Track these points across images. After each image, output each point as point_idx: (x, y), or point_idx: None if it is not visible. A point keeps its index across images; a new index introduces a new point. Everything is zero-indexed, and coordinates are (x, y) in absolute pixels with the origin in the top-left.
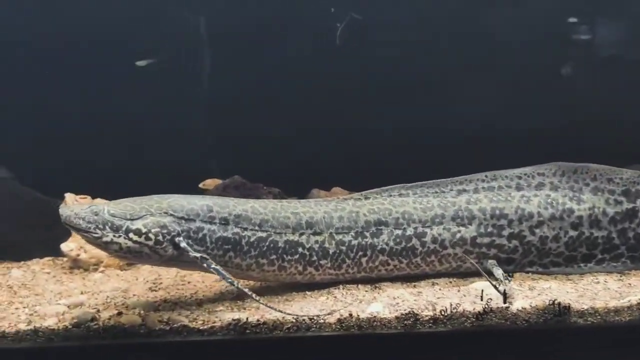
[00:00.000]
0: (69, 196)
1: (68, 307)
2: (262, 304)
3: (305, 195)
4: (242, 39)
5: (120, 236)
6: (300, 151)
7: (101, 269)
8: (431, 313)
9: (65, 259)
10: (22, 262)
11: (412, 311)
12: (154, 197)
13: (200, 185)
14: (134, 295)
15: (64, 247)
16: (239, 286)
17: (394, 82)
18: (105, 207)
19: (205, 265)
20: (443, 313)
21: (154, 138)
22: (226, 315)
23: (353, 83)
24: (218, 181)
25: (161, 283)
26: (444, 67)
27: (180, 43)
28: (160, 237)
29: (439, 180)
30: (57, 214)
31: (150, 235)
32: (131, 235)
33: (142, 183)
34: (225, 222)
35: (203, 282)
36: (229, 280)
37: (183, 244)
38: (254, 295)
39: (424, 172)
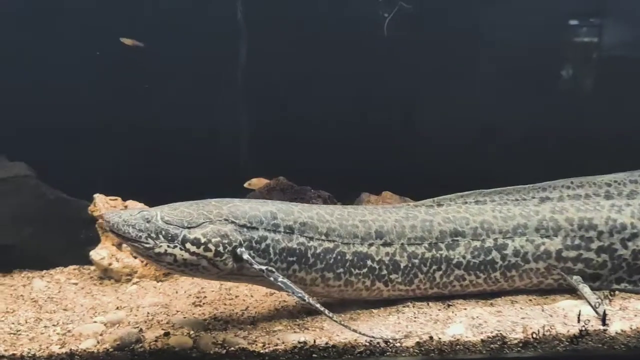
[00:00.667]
0: (98, 197)
1: (105, 325)
2: (338, 322)
3: (354, 199)
4: (289, 39)
5: (175, 247)
6: (348, 153)
7: (135, 280)
8: (520, 336)
9: (92, 267)
10: (45, 271)
11: (500, 333)
12: (211, 202)
13: (246, 185)
14: (178, 311)
15: (95, 255)
16: (311, 301)
17: (448, 83)
18: (158, 213)
19: (272, 279)
20: (534, 336)
21: (194, 136)
22: (288, 336)
23: (402, 84)
24: (265, 181)
25: (205, 297)
26: (518, 68)
27: (228, 41)
28: (220, 248)
29: (519, 186)
30: (84, 217)
31: (210, 245)
32: (188, 245)
33: (177, 183)
34: (290, 230)
35: (251, 296)
36: (300, 295)
37: (246, 256)
38: (327, 311)
39: (482, 178)
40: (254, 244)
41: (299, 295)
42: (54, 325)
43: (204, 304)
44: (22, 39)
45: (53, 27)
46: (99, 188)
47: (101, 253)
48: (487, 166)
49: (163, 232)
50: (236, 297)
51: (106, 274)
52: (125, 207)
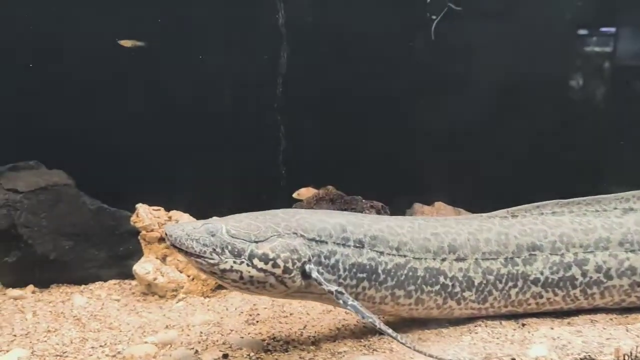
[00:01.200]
0: (142, 207)
1: (157, 346)
2: (412, 348)
3: (404, 210)
4: (341, 50)
5: (242, 263)
6: (401, 163)
7: (181, 295)
8: (609, 358)
9: (133, 282)
10: (84, 286)
11: (588, 355)
12: (278, 213)
13: (295, 195)
14: (232, 330)
15: (139, 268)
16: (382, 326)
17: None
18: (223, 226)
19: (341, 301)
20: (626, 358)
21: (238, 144)
22: (358, 357)
23: (458, 93)
24: (313, 190)
25: (258, 314)
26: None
27: (279, 49)
28: (289, 264)
29: (599, 196)
30: (125, 228)
31: (279, 261)
32: (256, 261)
33: (219, 193)
34: (360, 244)
35: (307, 313)
36: (371, 320)
37: (315, 274)
38: (400, 337)
39: (545, 189)
40: (322, 259)
41: (370, 320)
42: (101, 346)
43: (257, 322)
44: (65, 48)
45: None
46: (138, 198)
47: (146, 267)
48: (552, 176)
49: (229, 247)
50: (291, 314)
51: (150, 290)
52: (169, 217)
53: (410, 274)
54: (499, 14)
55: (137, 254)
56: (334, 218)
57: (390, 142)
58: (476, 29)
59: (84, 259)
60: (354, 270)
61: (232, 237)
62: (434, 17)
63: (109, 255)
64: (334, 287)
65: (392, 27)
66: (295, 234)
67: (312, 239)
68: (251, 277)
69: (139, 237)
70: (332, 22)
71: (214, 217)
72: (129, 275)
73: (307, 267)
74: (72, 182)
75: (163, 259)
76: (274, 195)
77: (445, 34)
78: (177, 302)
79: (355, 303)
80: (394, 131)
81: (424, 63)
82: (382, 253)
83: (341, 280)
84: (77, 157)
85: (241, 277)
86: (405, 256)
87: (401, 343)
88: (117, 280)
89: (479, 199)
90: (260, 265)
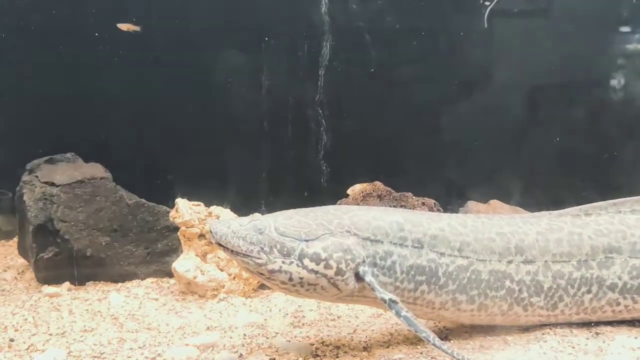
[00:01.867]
0: (182, 202)
1: (198, 348)
2: None
3: (458, 208)
4: (386, 42)
5: (292, 263)
6: (454, 159)
7: (222, 295)
8: None
9: (171, 280)
10: (120, 284)
11: None
12: (330, 210)
13: (349, 191)
14: (277, 333)
15: (179, 266)
16: (437, 342)
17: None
18: (272, 224)
19: (394, 311)
20: None
21: (281, 139)
22: None
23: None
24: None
25: (304, 317)
26: None
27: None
28: (342, 265)
29: None
30: (164, 224)
31: (331, 262)
32: (306, 261)
33: (260, 189)
34: (419, 244)
35: (356, 317)
36: (424, 334)
37: (368, 278)
38: (457, 354)
39: (599, 187)
40: (378, 260)
41: (424, 335)
42: (140, 347)
43: (303, 324)
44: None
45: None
46: (177, 193)
47: (186, 265)
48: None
49: (278, 246)
50: (338, 317)
51: (189, 289)
52: (210, 213)
53: (474, 277)
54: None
55: (176, 251)
56: (390, 215)
57: (440, 137)
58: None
59: (121, 256)
60: (412, 272)
61: (281, 235)
62: (487, 2)
63: (147, 252)
64: (387, 295)
65: (441, 20)
66: (349, 232)
67: (367, 238)
68: (301, 278)
69: (178, 234)
70: (374, 13)
71: (256, 214)
72: (167, 273)
73: (361, 269)
74: (110, 175)
75: (203, 257)
76: (314, 192)
77: (492, 28)
78: (217, 302)
79: (409, 314)
80: (445, 126)
81: (470, 56)
82: (442, 254)
83: (398, 284)
84: (115, 150)
85: (290, 279)
86: (468, 258)
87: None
88: (155, 279)
89: (532, 197)
90: (311, 266)
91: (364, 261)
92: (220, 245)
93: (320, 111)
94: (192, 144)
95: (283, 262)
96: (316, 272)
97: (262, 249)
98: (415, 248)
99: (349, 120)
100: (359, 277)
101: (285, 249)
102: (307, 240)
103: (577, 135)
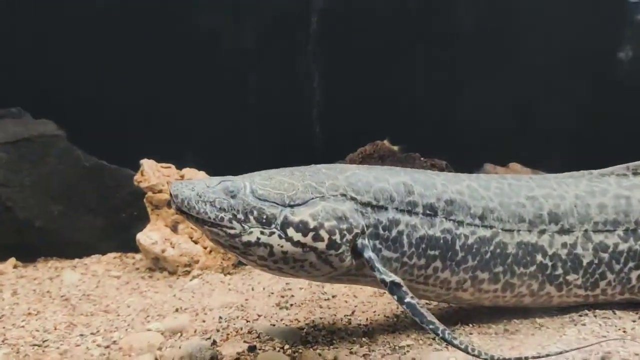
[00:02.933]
0: (147, 164)
1: (163, 334)
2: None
3: (473, 171)
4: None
5: (273, 234)
6: (471, 118)
7: (196, 272)
8: None
9: (138, 256)
10: (77, 260)
11: None
12: (320, 169)
13: (348, 158)
14: (259, 315)
15: (144, 238)
16: (447, 335)
17: None
18: (247, 185)
19: (395, 296)
20: None
21: (267, 95)
22: (428, 356)
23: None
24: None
25: (292, 296)
26: None
27: None
28: (336, 237)
29: None
30: (128, 189)
31: (322, 233)
32: (291, 232)
33: (243, 152)
34: (431, 211)
35: (354, 296)
36: (432, 326)
37: (367, 254)
38: (472, 348)
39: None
40: (381, 231)
41: (432, 327)
42: (92, 333)
43: (292, 305)
44: None
45: None
46: (145, 155)
47: (152, 236)
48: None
49: (255, 212)
50: (333, 297)
51: (157, 265)
52: (182, 176)
53: (498, 251)
54: None
55: (143, 221)
56: (396, 176)
57: (451, 93)
58: None
59: (77, 227)
60: (423, 245)
61: (259, 198)
62: None
63: (108, 223)
64: (388, 277)
65: None
66: (345, 196)
67: (367, 204)
68: (284, 253)
69: (144, 201)
70: None
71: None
72: (132, 247)
73: (359, 241)
74: (63, 133)
75: (174, 227)
76: (306, 157)
77: None
78: (190, 280)
79: (414, 301)
80: (458, 79)
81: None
82: (461, 223)
83: (405, 259)
84: (70, 104)
85: (271, 254)
86: (491, 227)
87: (475, 356)
88: (118, 254)
89: (553, 159)
90: (297, 237)
91: (363, 232)
92: (182, 212)
93: (314, 64)
94: (164, 96)
95: (261, 233)
96: (303, 246)
97: (234, 216)
98: (427, 216)
99: (347, 73)
100: (356, 252)
101: (265, 216)
102: (291, 206)
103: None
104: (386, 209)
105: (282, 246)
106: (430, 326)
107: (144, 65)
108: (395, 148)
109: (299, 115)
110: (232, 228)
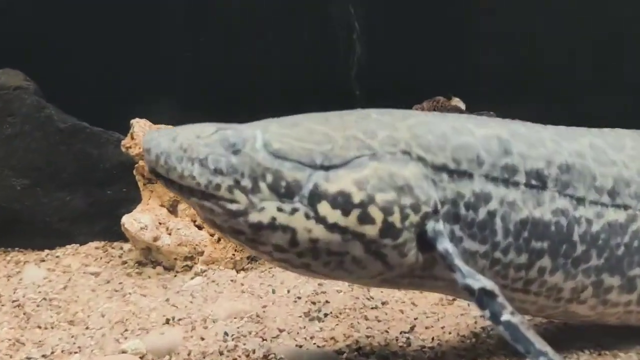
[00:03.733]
0: (138, 124)
1: (142, 358)
2: None
3: None
4: None
5: (296, 210)
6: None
7: (199, 267)
8: None
9: (126, 246)
10: (47, 252)
11: None
12: (370, 114)
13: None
14: (282, 331)
15: (130, 222)
16: None
17: None
18: (258, 135)
19: (487, 311)
20: None
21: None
22: None
23: None
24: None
25: (327, 302)
26: None
27: None
28: (395, 217)
29: None
30: (114, 158)
31: (373, 210)
32: (324, 208)
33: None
34: (539, 181)
35: (413, 303)
36: (544, 357)
37: (444, 245)
38: None
39: None
40: (462, 210)
41: (542, 354)
42: (44, 356)
43: (326, 315)
44: None
45: None
46: (137, 113)
47: (142, 220)
48: None
49: (269, 177)
50: (384, 304)
51: (149, 257)
52: None
53: (637, 244)
54: None
55: (134, 200)
56: (484, 126)
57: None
58: None
59: (48, 208)
60: (526, 234)
61: (276, 156)
62: None
63: (89, 203)
64: (477, 281)
65: None
66: (408, 154)
67: (443, 167)
68: (314, 241)
69: (134, 172)
70: None
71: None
72: (120, 234)
73: (430, 225)
74: (32, 86)
75: (172, 208)
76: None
77: None
78: (191, 279)
79: (516, 320)
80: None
81: None
82: (581, 201)
83: (498, 254)
84: (43, 51)
85: (293, 242)
86: (626, 208)
87: None
88: (101, 243)
89: None
90: (334, 216)
91: (436, 211)
92: (158, 175)
93: (352, 9)
94: (165, 40)
95: (279, 210)
96: (343, 231)
97: (237, 182)
98: (532, 188)
99: (394, 21)
100: (425, 242)
101: (284, 184)
102: (326, 168)
103: None
104: (471, 176)
105: (310, 230)
106: (541, 355)
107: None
108: (463, 106)
109: (333, 73)
110: (233, 201)
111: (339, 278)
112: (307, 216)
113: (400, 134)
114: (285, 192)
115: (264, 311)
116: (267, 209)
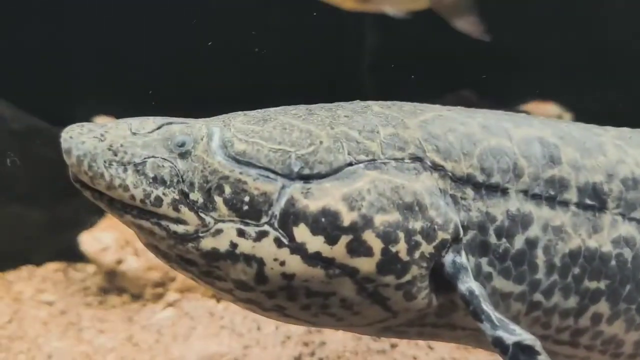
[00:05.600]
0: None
1: None
2: None
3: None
4: None
5: (264, 235)
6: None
7: (172, 295)
8: None
9: (91, 268)
10: None
11: None
12: (370, 106)
13: None
14: None
15: (89, 242)
16: None
17: None
18: (214, 132)
19: None
20: None
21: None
22: None
23: None
24: None
25: (323, 343)
26: None
27: None
28: (400, 247)
29: None
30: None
31: (369, 237)
32: (301, 232)
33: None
34: (596, 200)
35: (430, 347)
36: None
37: (467, 285)
38: None
39: None
40: (493, 238)
41: None
42: None
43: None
44: None
45: None
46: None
47: (103, 238)
48: None
49: (227, 189)
50: (393, 347)
51: (114, 283)
52: None
53: None
54: None
55: (101, 213)
56: (523, 125)
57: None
58: None
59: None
60: (577, 270)
61: (238, 160)
62: None
63: (48, 217)
64: (511, 334)
65: None
66: (419, 160)
67: (467, 179)
68: (288, 277)
69: None
70: None
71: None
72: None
73: (448, 257)
74: None
75: None
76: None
77: None
78: (163, 309)
79: None
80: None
81: None
82: None
83: (539, 297)
84: None
85: (260, 278)
86: None
87: None
88: (61, 264)
89: None
90: (316, 244)
91: (457, 238)
92: (82, 184)
93: None
94: (145, 27)
95: (240, 233)
96: (328, 264)
97: (184, 195)
98: (586, 209)
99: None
100: (441, 280)
101: (248, 198)
102: (305, 178)
103: None
104: (505, 191)
105: (283, 263)
106: None
107: None
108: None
109: (343, 64)
110: (179, 221)
111: (325, 325)
112: (279, 243)
113: (411, 133)
114: (249, 209)
115: (244, 354)
116: (225, 233)
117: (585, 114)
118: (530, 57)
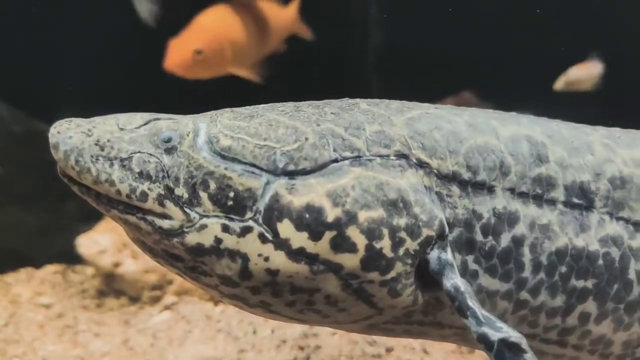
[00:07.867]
0: None
1: None
2: None
3: None
4: None
5: (248, 230)
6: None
7: (170, 298)
8: None
9: (90, 270)
10: None
11: None
12: (358, 103)
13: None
14: None
15: (86, 244)
16: None
17: None
18: (200, 128)
19: None
20: None
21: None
22: None
23: None
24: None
25: (318, 347)
26: None
27: None
28: (385, 244)
29: None
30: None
31: (353, 233)
32: (285, 228)
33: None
34: (583, 199)
35: (425, 351)
36: None
37: (452, 281)
38: None
39: None
40: (479, 236)
41: None
42: None
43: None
44: None
45: None
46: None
47: (101, 240)
48: None
49: (212, 185)
50: (388, 351)
51: (112, 286)
52: None
53: None
54: None
55: (100, 215)
56: (511, 123)
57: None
58: None
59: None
60: (564, 269)
61: (223, 156)
62: None
63: (48, 219)
64: (496, 331)
65: None
66: (405, 157)
67: (453, 177)
68: (273, 273)
69: None
70: None
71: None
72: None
73: (433, 254)
74: None
75: None
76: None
77: None
78: (160, 312)
79: None
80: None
81: None
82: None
83: (526, 295)
84: None
85: (245, 273)
86: None
87: None
88: (61, 266)
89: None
90: (300, 240)
91: (442, 235)
92: (69, 178)
93: None
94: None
95: (225, 229)
96: (312, 259)
97: (169, 190)
98: (573, 208)
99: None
100: (427, 277)
101: (233, 194)
102: (290, 174)
103: None
104: (492, 189)
105: (267, 258)
106: None
107: None
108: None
109: (348, 61)
110: (164, 216)
111: (311, 322)
112: (263, 239)
113: (397, 130)
114: (233, 205)
115: (239, 359)
116: (210, 228)
117: None
118: None
